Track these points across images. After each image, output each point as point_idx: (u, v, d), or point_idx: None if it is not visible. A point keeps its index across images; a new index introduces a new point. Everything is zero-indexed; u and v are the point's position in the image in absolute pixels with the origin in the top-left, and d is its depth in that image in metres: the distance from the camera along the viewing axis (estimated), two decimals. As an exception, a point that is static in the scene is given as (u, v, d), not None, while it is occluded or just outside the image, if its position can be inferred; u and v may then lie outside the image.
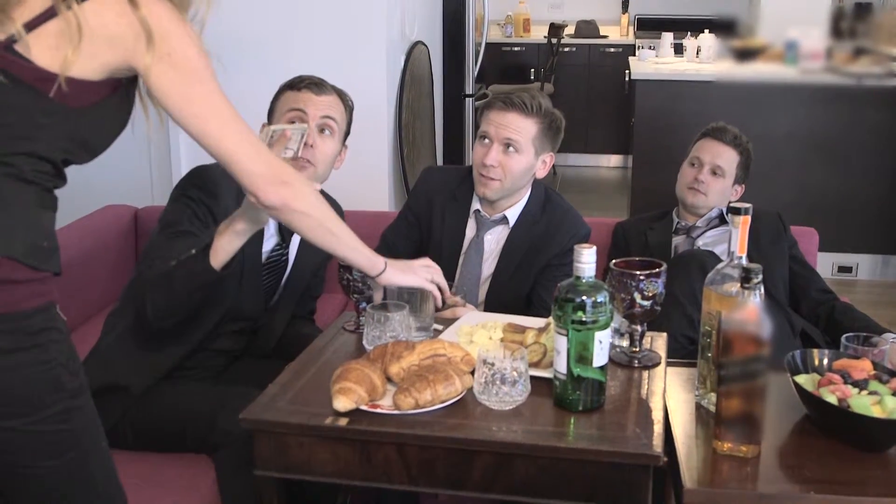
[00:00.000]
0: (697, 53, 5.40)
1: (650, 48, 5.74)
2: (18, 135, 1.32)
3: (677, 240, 2.79)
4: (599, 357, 1.59)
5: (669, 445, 1.59)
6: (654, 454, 1.48)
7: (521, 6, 8.03)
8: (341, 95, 2.22)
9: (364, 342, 1.87)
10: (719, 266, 1.69)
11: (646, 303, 1.75)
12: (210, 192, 2.07)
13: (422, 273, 1.92)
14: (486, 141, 2.31)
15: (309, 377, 1.76)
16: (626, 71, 5.50)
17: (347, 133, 2.26)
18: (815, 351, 1.77)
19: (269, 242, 2.18)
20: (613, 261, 1.79)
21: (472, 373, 1.66)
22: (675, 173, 2.85)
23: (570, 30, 7.76)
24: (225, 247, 1.84)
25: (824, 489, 1.46)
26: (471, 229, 2.43)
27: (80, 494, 1.45)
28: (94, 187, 3.15)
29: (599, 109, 7.66)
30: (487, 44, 5.29)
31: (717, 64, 5.16)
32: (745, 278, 1.53)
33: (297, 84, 2.18)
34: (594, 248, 1.59)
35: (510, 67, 7.83)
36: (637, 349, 1.82)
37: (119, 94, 1.40)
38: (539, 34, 7.76)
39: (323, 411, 1.60)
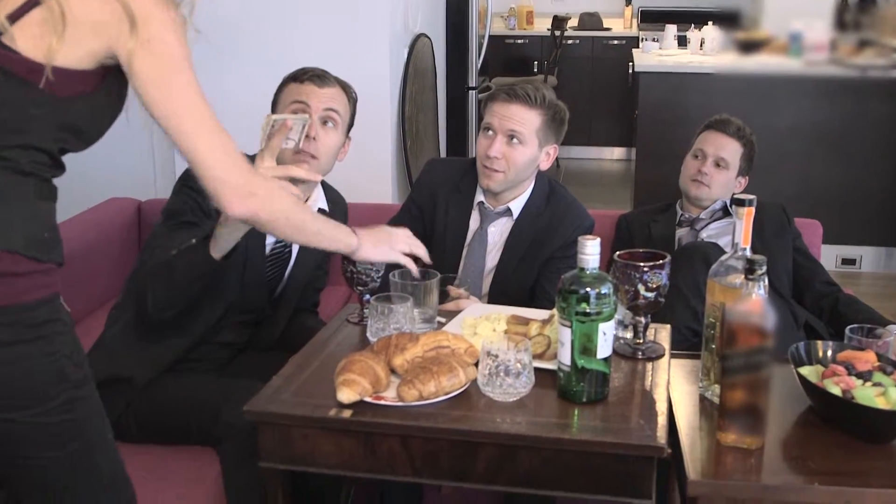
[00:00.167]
0: (701, 45, 5.39)
1: (654, 40, 5.73)
2: (11, 128, 1.31)
3: (681, 232, 2.79)
4: (603, 349, 1.59)
5: (673, 437, 1.59)
6: (657, 446, 1.48)
7: (524, -2, 8.03)
8: (344, 87, 2.22)
9: (368, 334, 1.87)
10: (723, 258, 1.69)
11: (650, 294, 1.74)
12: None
13: (397, 245, 1.90)
14: (490, 133, 2.30)
15: (313, 369, 1.76)
16: (630, 63, 5.50)
17: (351, 125, 2.25)
18: (819, 343, 1.77)
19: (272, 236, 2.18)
20: (617, 252, 1.79)
21: (476, 364, 1.66)
22: (678, 165, 2.85)
23: (573, 22, 7.75)
24: (226, 237, 1.84)
25: (828, 481, 1.46)
26: (474, 221, 2.42)
27: (84, 485, 1.45)
28: (97, 180, 3.15)
29: (603, 102, 7.65)
30: (490, 36, 5.28)
31: (720, 56, 5.15)
32: (749, 270, 1.53)
33: (300, 76, 2.18)
34: (598, 239, 1.59)
35: (513, 60, 7.82)
36: (641, 341, 1.82)
37: (108, 82, 1.38)
38: (542, 26, 7.75)
39: (327, 403, 1.60)
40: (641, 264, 1.74)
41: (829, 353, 1.74)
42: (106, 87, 1.38)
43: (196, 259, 1.86)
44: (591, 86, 7.72)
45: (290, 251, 2.25)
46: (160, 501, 1.85)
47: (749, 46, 4.90)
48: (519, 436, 1.52)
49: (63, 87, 1.32)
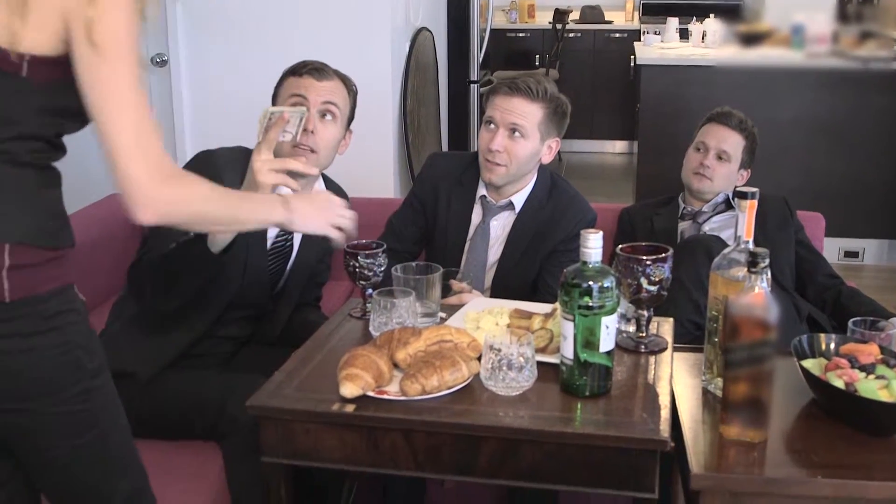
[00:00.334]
0: (703, 38, 5.38)
1: (655, 33, 5.72)
2: (2, 121, 1.28)
3: (683, 225, 2.78)
4: (606, 342, 1.59)
5: (676, 431, 1.59)
6: (660, 439, 1.48)
7: (525, -9, 8.01)
8: (344, 80, 2.21)
9: (370, 328, 1.87)
10: (726, 251, 1.68)
11: (652, 288, 1.74)
12: (214, 176, 2.05)
13: (330, 218, 1.75)
14: (492, 126, 2.30)
15: (315, 364, 1.76)
16: (632, 56, 5.50)
17: (351, 118, 2.24)
18: (822, 335, 1.76)
19: (274, 229, 2.17)
20: (620, 246, 1.78)
21: (479, 359, 1.66)
22: (680, 158, 2.84)
23: (574, 15, 7.73)
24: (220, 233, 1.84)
25: (831, 473, 1.46)
26: (477, 215, 2.42)
27: (100, 473, 1.45)
28: (99, 175, 3.14)
29: (604, 95, 7.64)
30: (492, 30, 5.28)
31: (722, 49, 5.14)
32: (752, 263, 1.53)
33: (299, 69, 2.17)
34: (601, 233, 1.59)
35: (515, 53, 7.81)
36: (644, 334, 1.82)
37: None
38: (544, 20, 7.73)
39: (330, 398, 1.60)
40: (644, 258, 1.73)
41: (832, 345, 1.73)
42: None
43: (194, 252, 1.86)
44: (592, 79, 7.70)
45: (292, 244, 2.24)
46: (163, 496, 1.84)
47: (751, 39, 4.89)
48: (522, 430, 1.52)
49: (38, 73, 1.28)
